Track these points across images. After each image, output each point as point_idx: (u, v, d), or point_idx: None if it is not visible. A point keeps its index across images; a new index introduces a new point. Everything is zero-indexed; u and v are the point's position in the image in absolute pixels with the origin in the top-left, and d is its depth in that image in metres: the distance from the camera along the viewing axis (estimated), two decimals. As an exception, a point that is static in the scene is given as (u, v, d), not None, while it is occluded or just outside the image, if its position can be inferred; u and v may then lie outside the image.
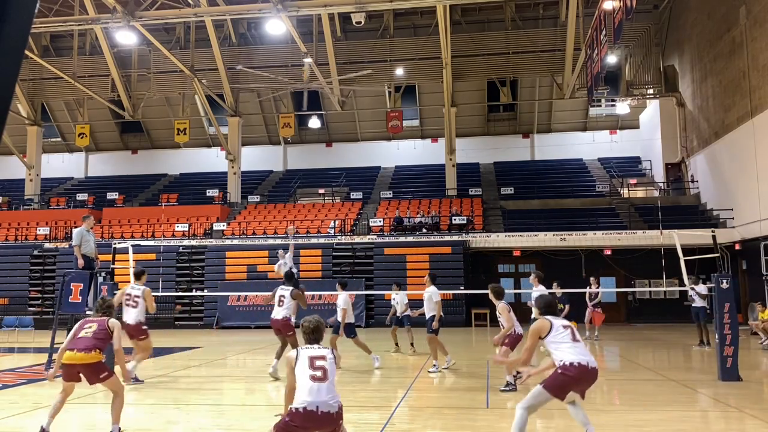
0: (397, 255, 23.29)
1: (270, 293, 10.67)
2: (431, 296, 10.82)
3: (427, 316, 10.77)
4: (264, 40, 30.85)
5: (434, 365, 10.61)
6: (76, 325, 6.18)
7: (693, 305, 14.93)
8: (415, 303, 13.76)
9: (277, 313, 10.16)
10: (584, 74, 24.66)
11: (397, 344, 14.02)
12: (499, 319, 9.03)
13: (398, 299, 13.95)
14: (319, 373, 4.03)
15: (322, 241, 23.64)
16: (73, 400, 8.23)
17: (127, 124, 35.05)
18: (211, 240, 24.85)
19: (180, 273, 24.60)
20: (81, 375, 5.87)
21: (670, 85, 28.61)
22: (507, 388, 8.63)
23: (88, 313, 11.19)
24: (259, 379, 10.70)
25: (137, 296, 9.79)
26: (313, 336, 4.36)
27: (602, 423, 6.72)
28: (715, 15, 23.52)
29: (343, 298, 11.41)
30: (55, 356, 6.26)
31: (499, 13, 29.59)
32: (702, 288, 14.86)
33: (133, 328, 9.59)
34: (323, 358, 4.10)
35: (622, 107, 30.34)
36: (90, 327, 6.05)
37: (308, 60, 24.16)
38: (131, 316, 9.64)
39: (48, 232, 26.74)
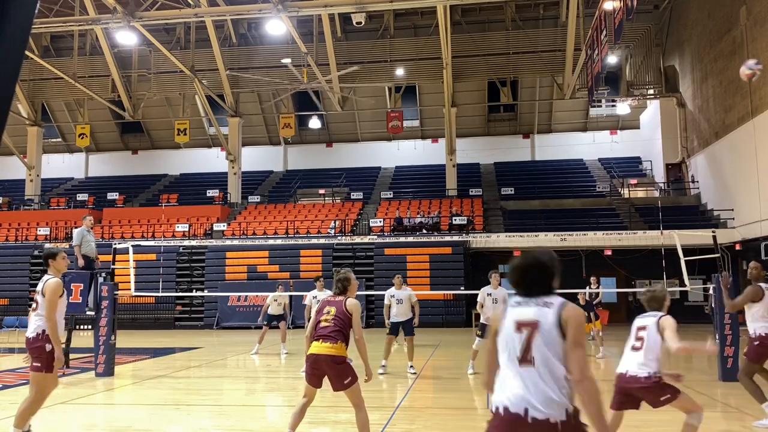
0: (397, 255, 23.28)
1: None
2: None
3: (406, 318, 10.62)
4: (264, 40, 30.84)
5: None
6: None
7: None
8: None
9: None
10: (584, 74, 24.65)
11: None
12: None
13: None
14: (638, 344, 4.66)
15: (322, 241, 23.64)
16: (72, 400, 8.24)
17: (128, 125, 35.06)
18: (211, 240, 24.84)
19: (180, 273, 24.60)
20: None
21: (671, 86, 28.61)
22: None
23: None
24: (260, 380, 10.70)
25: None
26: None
27: (603, 423, 6.71)
28: (715, 15, 23.51)
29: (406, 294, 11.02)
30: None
31: (500, 13, 29.59)
32: None
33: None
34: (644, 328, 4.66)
35: (623, 107, 30.34)
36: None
37: (286, 60, 23.83)
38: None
39: (48, 233, 26.74)
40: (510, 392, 2.61)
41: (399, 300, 10.52)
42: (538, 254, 2.99)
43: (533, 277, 2.89)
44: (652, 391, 4.80)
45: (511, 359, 2.68)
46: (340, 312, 5.08)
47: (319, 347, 4.98)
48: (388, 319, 10.63)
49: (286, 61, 24.30)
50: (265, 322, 14.12)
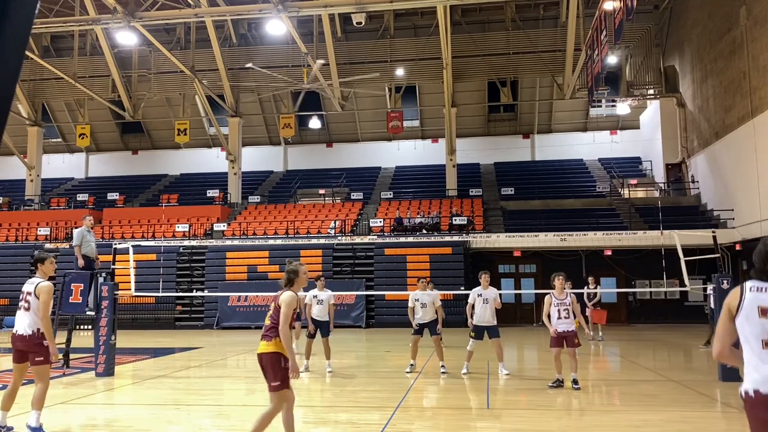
0: (397, 255, 23.28)
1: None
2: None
3: (430, 320, 10.78)
4: (264, 40, 30.86)
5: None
6: None
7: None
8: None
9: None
10: (584, 75, 24.65)
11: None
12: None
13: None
14: None
15: (322, 241, 23.64)
16: (72, 400, 8.25)
17: (128, 125, 35.07)
18: (211, 240, 24.85)
19: (180, 273, 24.60)
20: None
21: (671, 86, 28.61)
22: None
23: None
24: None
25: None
26: None
27: (603, 423, 6.72)
28: (715, 15, 23.52)
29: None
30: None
31: (500, 13, 29.59)
32: None
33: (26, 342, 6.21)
34: None
35: (623, 108, 30.34)
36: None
37: (320, 61, 24.15)
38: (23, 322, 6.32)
39: (48, 233, 26.75)
40: (760, 375, 2.73)
41: (423, 304, 10.75)
42: None
43: None
44: None
45: (759, 343, 2.78)
46: (275, 308, 5.16)
47: (260, 346, 5.16)
48: (413, 319, 10.84)
49: (320, 62, 24.25)
50: None
